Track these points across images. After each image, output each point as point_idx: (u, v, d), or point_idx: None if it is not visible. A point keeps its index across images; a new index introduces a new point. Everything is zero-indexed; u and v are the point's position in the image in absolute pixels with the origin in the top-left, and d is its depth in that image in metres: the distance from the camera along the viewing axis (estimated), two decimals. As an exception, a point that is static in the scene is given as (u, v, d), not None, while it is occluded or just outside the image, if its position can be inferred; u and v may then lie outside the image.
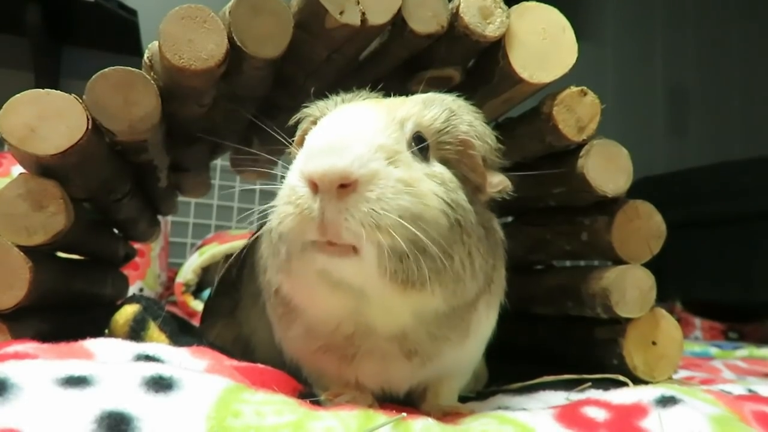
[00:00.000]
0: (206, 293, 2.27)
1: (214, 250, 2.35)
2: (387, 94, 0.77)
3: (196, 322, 1.43)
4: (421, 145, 0.67)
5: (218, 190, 2.78)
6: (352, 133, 0.62)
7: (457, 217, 0.65)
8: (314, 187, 0.59)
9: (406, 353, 0.70)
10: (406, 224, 0.59)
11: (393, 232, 0.58)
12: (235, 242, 2.31)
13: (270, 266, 0.71)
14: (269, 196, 0.67)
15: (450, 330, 0.71)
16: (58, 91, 0.75)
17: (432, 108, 0.70)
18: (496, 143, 0.73)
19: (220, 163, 2.64)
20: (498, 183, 0.72)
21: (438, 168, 0.68)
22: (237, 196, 2.95)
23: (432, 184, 0.64)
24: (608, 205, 0.95)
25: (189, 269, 2.33)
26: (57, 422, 0.47)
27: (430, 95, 0.73)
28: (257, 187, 2.49)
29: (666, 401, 0.66)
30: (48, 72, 2.42)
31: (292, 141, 0.77)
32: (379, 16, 0.81)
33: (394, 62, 0.95)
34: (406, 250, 0.59)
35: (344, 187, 0.58)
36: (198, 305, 2.23)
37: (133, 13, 2.42)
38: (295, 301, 0.70)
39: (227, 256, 2.35)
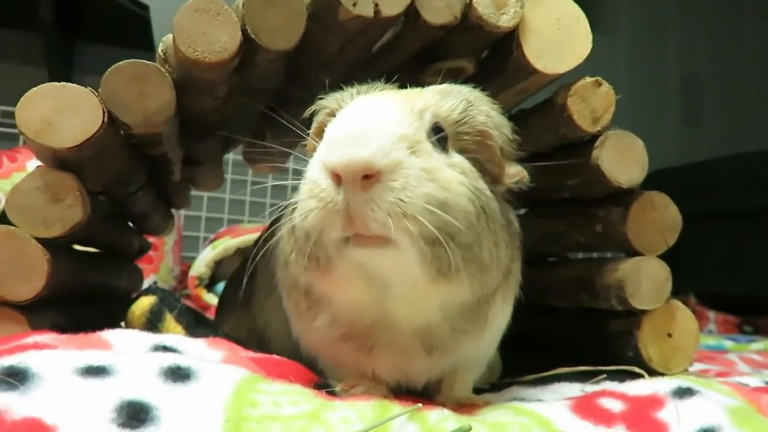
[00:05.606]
0: (219, 287, 2.28)
1: (226, 243, 2.36)
2: (401, 86, 0.77)
3: (209, 316, 1.44)
4: (440, 135, 0.67)
5: (231, 183, 2.79)
6: (373, 124, 0.61)
7: (482, 205, 0.65)
8: (337, 178, 0.58)
9: (427, 348, 0.69)
10: (432, 209, 0.59)
11: (420, 218, 0.58)
12: (247, 236, 2.32)
13: (293, 263, 0.69)
14: (281, 189, 0.67)
15: (470, 322, 0.71)
16: (75, 85, 0.76)
17: (449, 99, 0.70)
18: (512, 134, 0.73)
19: (233, 156, 2.64)
20: (515, 173, 0.73)
21: (457, 158, 0.68)
22: (249, 189, 2.96)
23: (454, 173, 0.64)
24: (623, 197, 0.94)
25: (202, 263, 2.35)
26: (78, 411, 0.48)
27: (447, 86, 0.73)
28: (269, 181, 2.49)
29: (683, 392, 0.65)
30: (61, 67, 2.43)
31: (307, 133, 0.77)
32: (392, 8, 0.81)
33: (407, 54, 0.95)
34: (437, 235, 0.58)
35: (368, 177, 0.58)
36: (211, 299, 2.24)
37: (144, 8, 2.43)
38: (327, 295, 0.69)
39: (239, 250, 2.37)
